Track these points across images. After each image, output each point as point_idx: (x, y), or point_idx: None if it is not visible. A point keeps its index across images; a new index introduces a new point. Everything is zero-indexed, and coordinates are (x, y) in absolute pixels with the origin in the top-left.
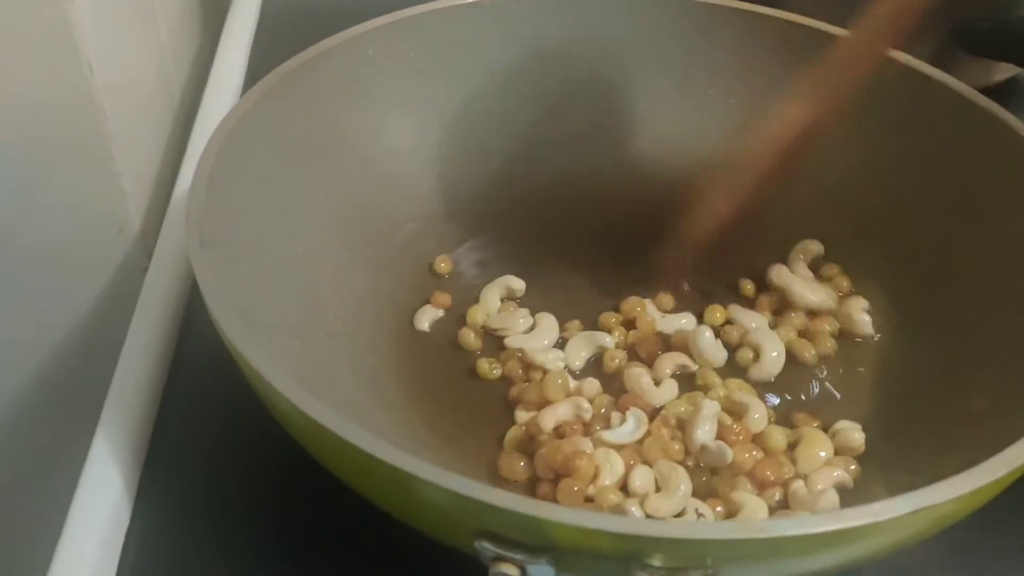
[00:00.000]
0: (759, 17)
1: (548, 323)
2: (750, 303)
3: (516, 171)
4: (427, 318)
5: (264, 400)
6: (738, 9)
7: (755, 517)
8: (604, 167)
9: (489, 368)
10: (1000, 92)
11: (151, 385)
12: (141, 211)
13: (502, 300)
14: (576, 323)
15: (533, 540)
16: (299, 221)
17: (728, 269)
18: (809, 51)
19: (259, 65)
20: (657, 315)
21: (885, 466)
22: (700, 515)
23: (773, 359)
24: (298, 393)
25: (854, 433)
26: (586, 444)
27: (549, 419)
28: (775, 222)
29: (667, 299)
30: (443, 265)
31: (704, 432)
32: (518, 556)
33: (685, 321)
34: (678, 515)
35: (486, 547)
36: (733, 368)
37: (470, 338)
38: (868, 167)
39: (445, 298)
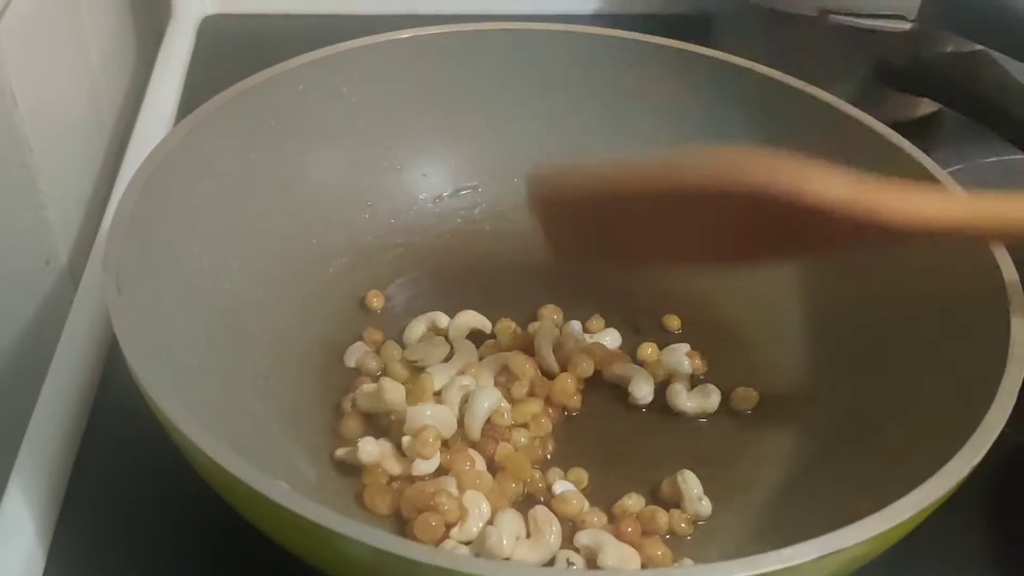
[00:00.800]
0: (691, 55)
1: (466, 349)
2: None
3: (449, 205)
4: (357, 355)
5: (183, 452)
6: (671, 47)
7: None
8: None
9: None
10: (922, 125)
11: (70, 430)
12: (69, 243)
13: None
14: (491, 343)
15: None
16: (226, 258)
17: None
18: (737, 90)
19: (195, 91)
20: (581, 336)
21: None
22: (571, 563)
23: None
24: (214, 445)
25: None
26: (450, 485)
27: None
28: None
29: (598, 322)
30: (375, 300)
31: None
32: None
33: (609, 339)
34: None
35: None
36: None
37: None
38: None
39: (377, 335)
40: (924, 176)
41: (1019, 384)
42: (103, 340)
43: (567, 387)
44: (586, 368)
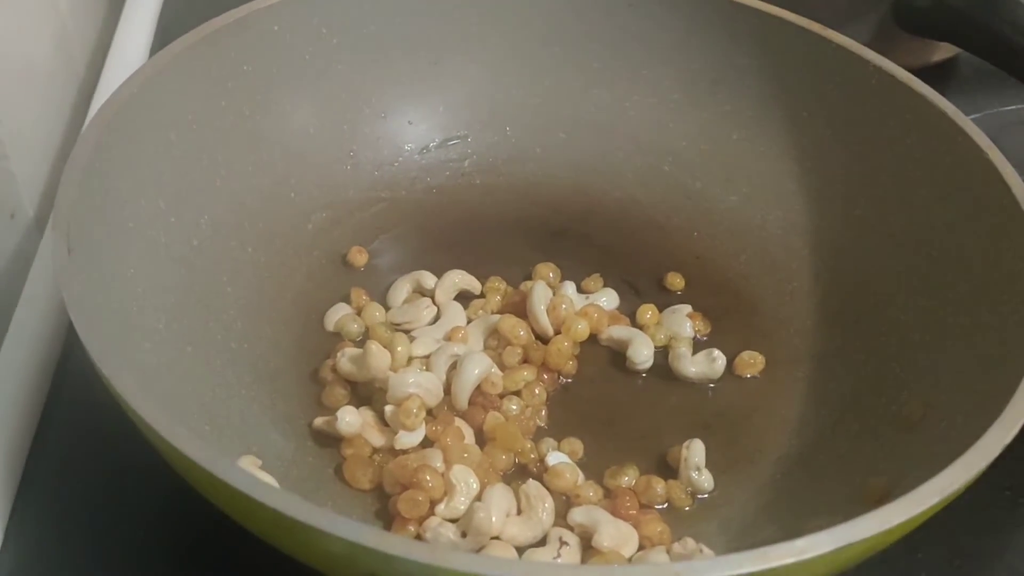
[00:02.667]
0: None
1: (453, 312)
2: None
3: (436, 156)
4: (337, 317)
5: (139, 429)
6: None
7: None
8: (528, 151)
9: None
10: (939, 71)
11: (30, 400)
12: (36, 196)
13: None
14: (481, 304)
15: None
16: (195, 213)
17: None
18: (746, 35)
19: (167, 36)
20: (577, 296)
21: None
22: (564, 543)
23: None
24: (172, 429)
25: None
26: (436, 458)
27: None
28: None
29: (595, 282)
30: (358, 257)
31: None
32: None
33: (606, 300)
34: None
35: None
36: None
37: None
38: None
39: (360, 296)
40: (945, 123)
41: None
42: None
43: (562, 351)
44: (582, 331)
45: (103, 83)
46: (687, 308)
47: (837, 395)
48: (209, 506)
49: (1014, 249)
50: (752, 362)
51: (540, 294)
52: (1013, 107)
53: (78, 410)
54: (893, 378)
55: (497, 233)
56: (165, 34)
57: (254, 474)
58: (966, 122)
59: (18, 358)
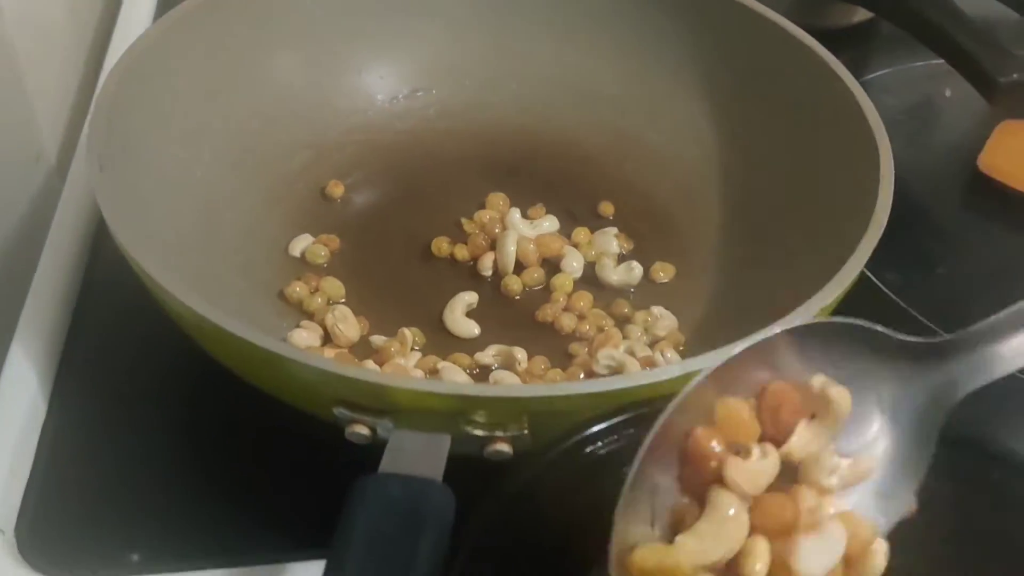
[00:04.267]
0: None
1: None
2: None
3: (405, 105)
4: (301, 246)
5: (156, 300)
6: None
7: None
8: (484, 100)
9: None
10: (860, 31)
11: (66, 294)
12: (57, 140)
13: None
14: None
15: (378, 404)
16: (198, 147)
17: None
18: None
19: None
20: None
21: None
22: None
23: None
24: (178, 285)
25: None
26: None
27: None
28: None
29: (538, 210)
30: (336, 190)
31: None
32: (367, 418)
33: (548, 224)
34: None
35: (342, 412)
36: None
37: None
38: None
39: (332, 240)
40: (827, 72)
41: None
42: (92, 220)
43: (510, 287)
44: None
45: (117, 33)
46: (614, 230)
47: (733, 297)
48: (214, 371)
49: (866, 170)
50: (664, 271)
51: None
52: (922, 63)
53: (105, 307)
54: (780, 282)
55: (457, 170)
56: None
57: (248, 327)
58: (840, 68)
59: (54, 265)
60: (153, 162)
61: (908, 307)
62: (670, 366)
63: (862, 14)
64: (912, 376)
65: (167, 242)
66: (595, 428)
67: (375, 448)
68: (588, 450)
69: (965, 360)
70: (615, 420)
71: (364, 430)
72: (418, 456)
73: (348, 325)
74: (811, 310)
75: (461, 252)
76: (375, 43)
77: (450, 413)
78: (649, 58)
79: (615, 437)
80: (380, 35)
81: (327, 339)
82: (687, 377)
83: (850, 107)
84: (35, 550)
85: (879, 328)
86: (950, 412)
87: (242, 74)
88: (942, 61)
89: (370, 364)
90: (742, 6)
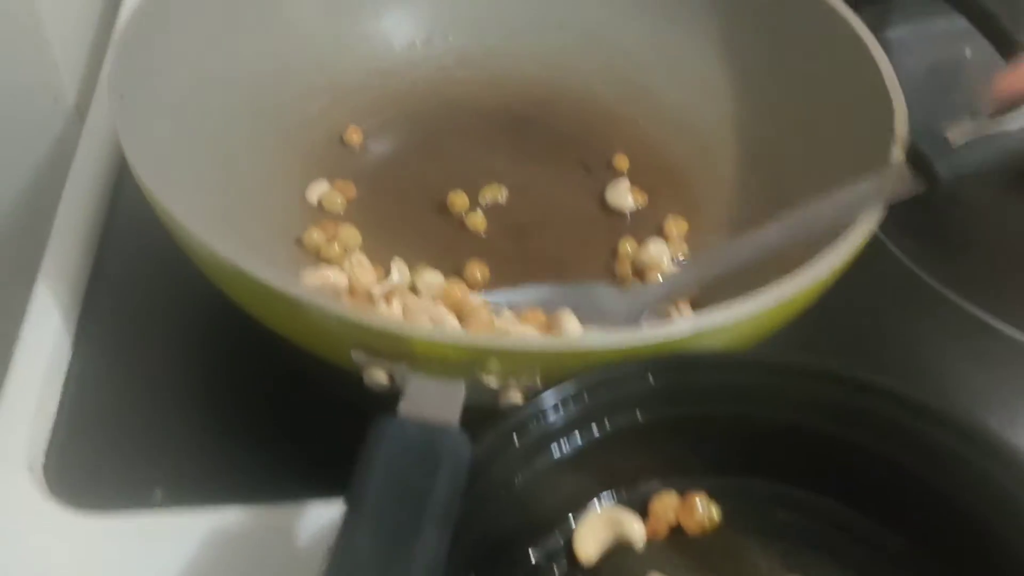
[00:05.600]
0: None
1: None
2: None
3: (422, 52)
4: (318, 192)
5: (176, 240)
6: None
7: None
8: (501, 49)
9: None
10: None
11: (87, 238)
12: (75, 82)
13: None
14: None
15: (394, 351)
16: (216, 90)
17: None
18: None
19: None
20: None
21: None
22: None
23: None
24: (199, 226)
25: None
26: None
27: None
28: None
29: None
30: (354, 136)
31: None
32: (384, 362)
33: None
34: None
35: (360, 356)
36: None
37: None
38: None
39: (348, 187)
40: (845, 31)
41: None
42: (112, 163)
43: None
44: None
45: None
46: (626, 183)
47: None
48: (239, 319)
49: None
50: (677, 226)
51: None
52: (944, 21)
53: (127, 250)
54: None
55: (473, 119)
56: None
57: (269, 270)
58: (858, 23)
59: (74, 208)
60: (172, 102)
61: (923, 274)
62: (683, 320)
63: None
64: None
65: (185, 185)
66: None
67: (393, 395)
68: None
69: None
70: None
71: (382, 375)
72: (435, 401)
73: (364, 271)
74: (821, 270)
75: (472, 220)
76: None
77: (465, 363)
78: (669, 13)
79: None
80: None
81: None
82: (700, 334)
83: (868, 67)
84: (63, 486)
85: None
86: None
87: (260, 15)
88: (963, 20)
89: (394, 307)
90: None
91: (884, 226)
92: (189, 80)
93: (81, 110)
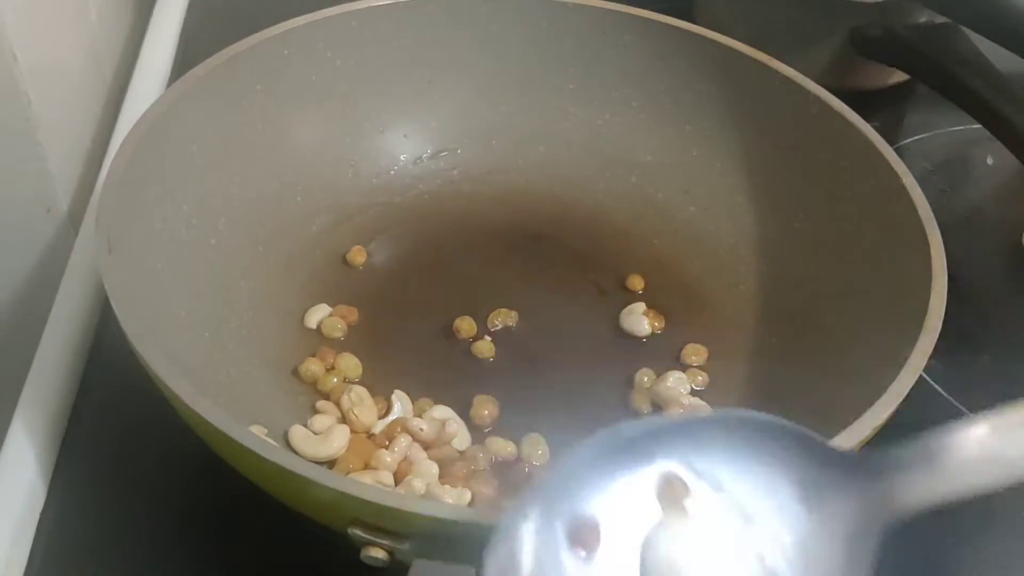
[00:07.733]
0: (658, 25)
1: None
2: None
3: (428, 166)
4: (317, 317)
5: (170, 402)
6: (639, 16)
7: None
8: (510, 163)
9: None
10: (897, 92)
11: (70, 372)
12: (69, 192)
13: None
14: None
15: (397, 527)
16: (214, 216)
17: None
18: (706, 63)
19: (189, 47)
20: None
21: None
22: None
23: None
24: (187, 389)
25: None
26: None
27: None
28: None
29: None
30: (358, 256)
31: None
32: (384, 541)
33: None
34: None
35: (357, 534)
36: None
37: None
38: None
39: (350, 311)
40: (871, 151)
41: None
42: (100, 288)
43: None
44: None
45: (132, 90)
46: (642, 307)
47: (767, 386)
48: (226, 470)
49: (918, 264)
50: (696, 353)
51: None
52: (960, 128)
53: (111, 386)
54: (817, 371)
55: (480, 235)
56: (187, 45)
57: (262, 438)
58: (888, 150)
59: (58, 340)
60: (166, 233)
61: (949, 396)
62: None
63: (899, 75)
64: (840, 482)
65: (178, 319)
66: None
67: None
68: None
69: (901, 476)
70: None
71: (380, 553)
72: None
73: (365, 409)
74: (862, 430)
75: (479, 348)
76: (398, 100)
77: (474, 543)
78: (685, 124)
79: None
80: (403, 92)
81: (342, 420)
82: None
83: (896, 190)
84: None
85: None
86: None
87: (259, 136)
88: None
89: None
90: (777, 72)
91: None
92: (184, 207)
93: (74, 219)
